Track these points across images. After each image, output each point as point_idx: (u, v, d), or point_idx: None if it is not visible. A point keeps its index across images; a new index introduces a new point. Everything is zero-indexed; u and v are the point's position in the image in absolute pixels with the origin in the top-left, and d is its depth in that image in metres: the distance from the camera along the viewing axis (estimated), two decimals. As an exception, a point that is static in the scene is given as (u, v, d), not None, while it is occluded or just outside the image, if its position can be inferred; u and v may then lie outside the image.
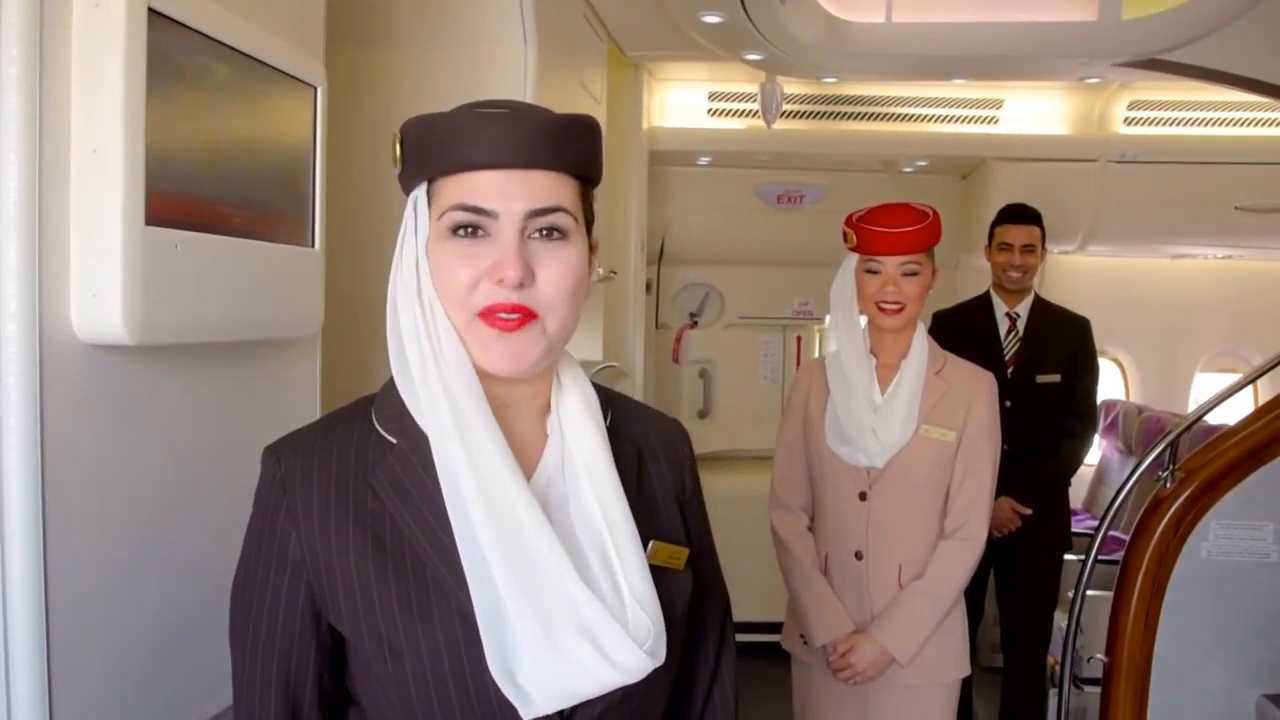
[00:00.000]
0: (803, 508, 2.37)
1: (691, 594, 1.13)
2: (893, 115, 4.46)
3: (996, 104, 4.45)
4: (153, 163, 1.13)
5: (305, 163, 1.48)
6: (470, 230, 0.98)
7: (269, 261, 1.38)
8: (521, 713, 0.95)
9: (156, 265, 1.15)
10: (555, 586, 0.95)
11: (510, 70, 2.13)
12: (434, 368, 0.98)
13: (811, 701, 2.35)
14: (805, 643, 2.30)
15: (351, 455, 1.03)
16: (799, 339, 5.21)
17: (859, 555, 2.25)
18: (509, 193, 0.97)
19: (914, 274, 2.23)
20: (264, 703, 1.03)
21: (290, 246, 1.44)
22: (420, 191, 1.02)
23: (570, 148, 1.00)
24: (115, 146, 1.09)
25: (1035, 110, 4.48)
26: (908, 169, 4.71)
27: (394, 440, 1.02)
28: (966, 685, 3.51)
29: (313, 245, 1.50)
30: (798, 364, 5.11)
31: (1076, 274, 5.06)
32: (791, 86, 4.28)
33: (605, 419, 1.09)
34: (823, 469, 2.31)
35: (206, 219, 1.25)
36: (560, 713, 0.98)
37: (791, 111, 4.43)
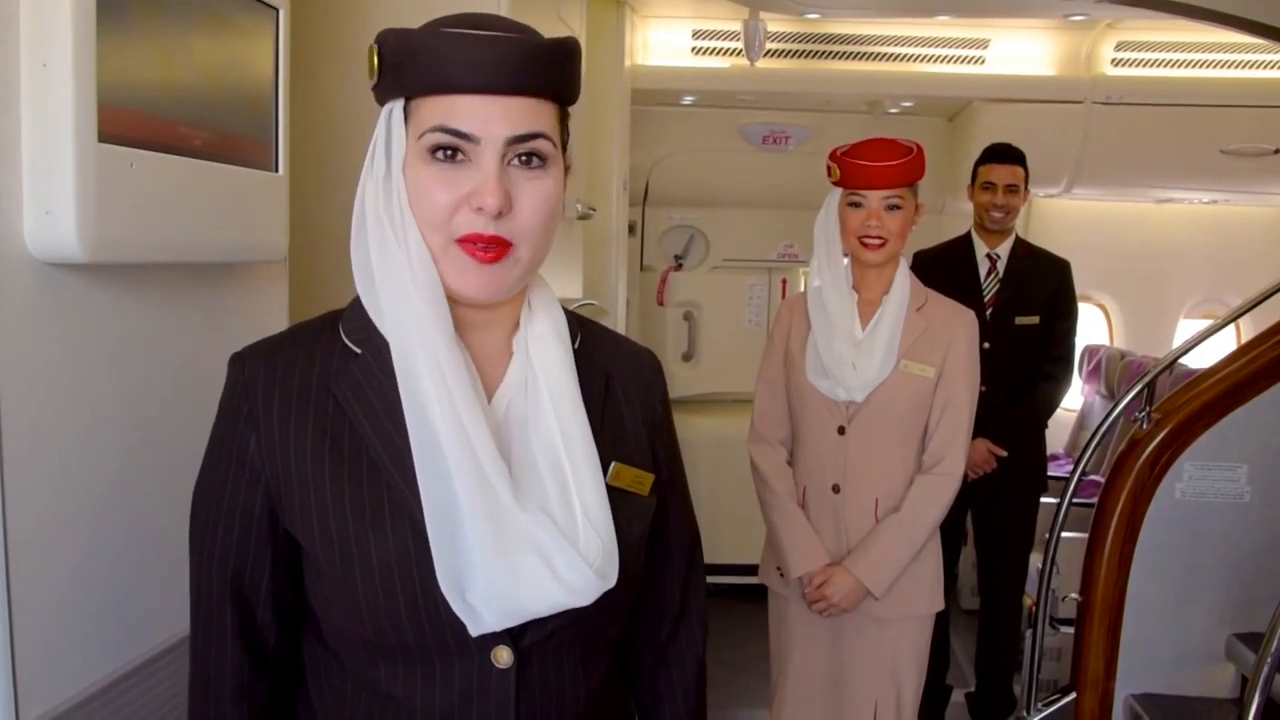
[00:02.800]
0: (782, 441, 2.38)
1: (655, 524, 1.13)
2: (878, 55, 4.41)
3: (983, 44, 4.40)
4: (106, 79, 1.10)
5: (268, 86, 1.45)
6: (450, 153, 0.96)
7: (231, 184, 1.36)
8: (469, 628, 0.95)
9: (111, 182, 1.12)
10: (502, 507, 0.96)
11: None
12: (403, 282, 0.98)
13: (787, 634, 2.38)
14: (782, 575, 2.33)
15: (316, 363, 1.03)
16: (784, 282, 5.20)
17: (836, 489, 2.27)
18: (491, 117, 0.95)
19: (897, 208, 2.22)
20: (219, 607, 1.04)
21: (253, 170, 1.41)
22: (396, 106, 0.99)
23: (553, 73, 0.99)
24: (65, 60, 1.06)
25: (1022, 51, 4.43)
26: (893, 110, 4.67)
27: (358, 350, 1.03)
28: (944, 627, 3.60)
29: (276, 170, 1.47)
30: (783, 308, 5.09)
31: (1060, 218, 5.04)
32: (776, 24, 4.22)
33: (574, 342, 1.09)
34: (803, 403, 2.32)
35: (164, 138, 1.23)
36: (509, 631, 0.99)
37: (776, 50, 4.38)
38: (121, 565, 1.25)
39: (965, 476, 3.24)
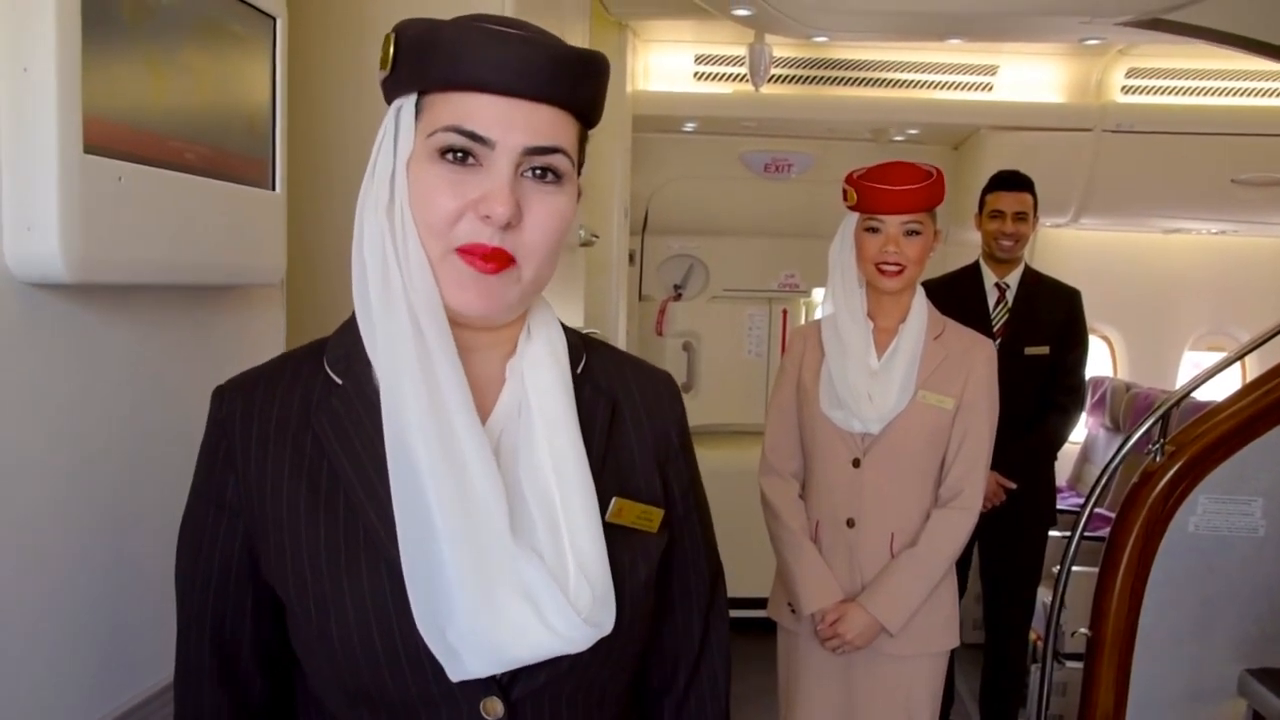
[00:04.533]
0: (794, 474, 2.31)
1: (669, 561, 1.05)
2: (884, 81, 4.37)
3: (991, 70, 4.37)
4: (92, 86, 1.03)
5: (265, 99, 1.38)
6: (460, 156, 0.89)
7: (226, 202, 1.29)
8: (449, 671, 0.87)
9: (97, 197, 1.05)
10: (493, 538, 0.88)
11: (486, 11, 2.02)
12: (399, 292, 0.90)
13: (797, 671, 2.30)
14: (793, 611, 2.25)
15: (296, 396, 0.96)
16: (785, 312, 5.13)
17: (850, 523, 2.19)
18: (510, 122, 0.89)
19: (916, 234, 2.16)
20: (198, 652, 0.98)
21: (249, 188, 1.34)
22: (408, 102, 0.92)
23: (581, 85, 0.93)
24: (49, 64, 0.99)
25: (1031, 77, 4.40)
26: (898, 138, 4.62)
27: (339, 381, 0.95)
28: (948, 661, 3.52)
29: (273, 188, 1.40)
30: (783, 338, 5.04)
31: (1066, 248, 4.99)
32: (781, 49, 4.18)
33: (578, 366, 1.01)
34: (815, 434, 2.24)
35: (155, 152, 1.16)
36: (497, 681, 0.91)
37: (780, 76, 4.34)
38: (110, 604, 1.17)
39: (976, 509, 3.21)
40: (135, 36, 1.12)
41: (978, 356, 2.22)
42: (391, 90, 0.95)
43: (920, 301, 2.23)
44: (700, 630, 1.13)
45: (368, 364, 0.94)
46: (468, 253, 0.89)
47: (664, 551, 1.03)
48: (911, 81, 4.38)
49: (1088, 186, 4.46)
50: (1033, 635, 3.51)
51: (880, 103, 4.39)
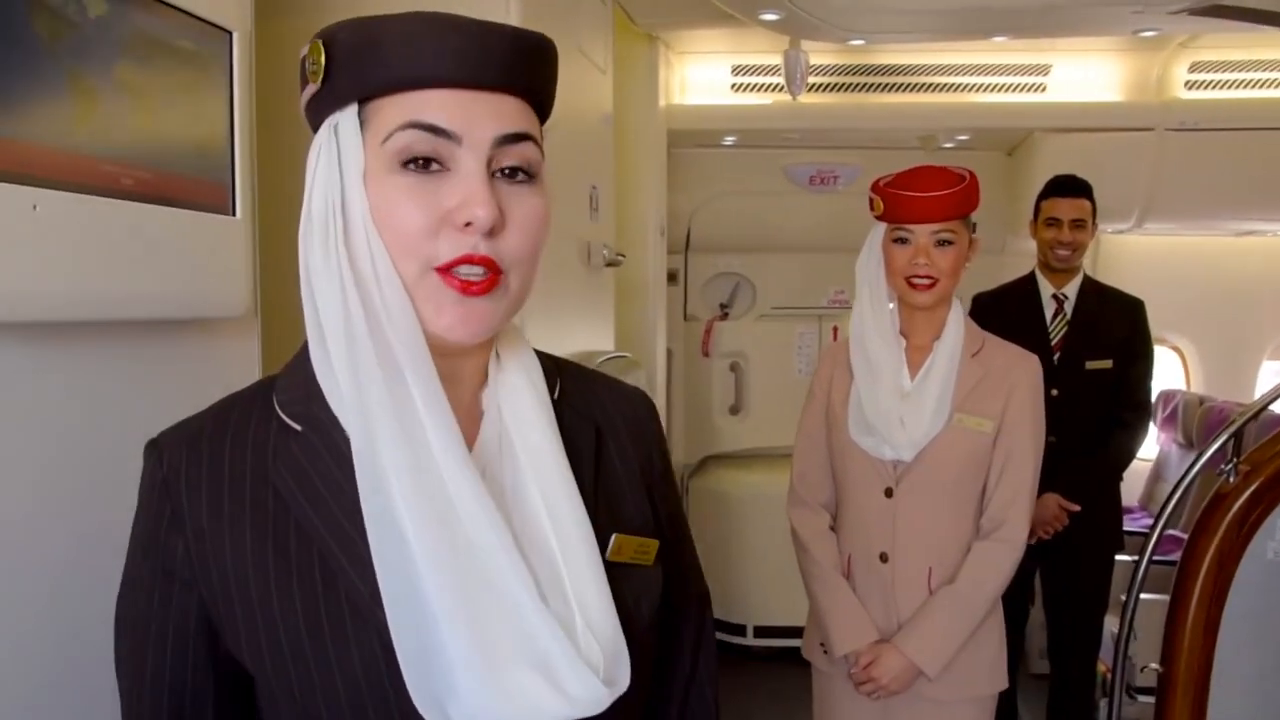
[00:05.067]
0: (824, 505, 2.16)
1: (662, 591, 0.96)
2: (930, 85, 4.20)
3: (1044, 70, 4.17)
4: (-1, 105, 0.96)
5: (221, 120, 1.30)
6: (423, 163, 0.79)
7: (172, 230, 1.20)
8: None
9: (7, 227, 0.97)
10: (503, 600, 0.78)
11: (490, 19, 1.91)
12: (362, 330, 0.79)
13: (832, 715, 2.15)
14: (826, 652, 2.10)
15: (248, 447, 0.85)
16: (835, 329, 4.96)
17: (884, 557, 2.04)
18: (474, 114, 0.80)
19: (948, 244, 2.00)
20: None
21: (203, 214, 1.26)
22: (346, 115, 0.82)
23: (539, 73, 0.86)
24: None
25: (1086, 76, 4.18)
26: (948, 144, 4.45)
27: (298, 427, 0.84)
28: (1011, 695, 3.34)
29: (233, 213, 1.32)
30: (835, 355, 4.88)
31: (1131, 255, 4.75)
32: (820, 56, 4.05)
33: (553, 392, 0.91)
34: (845, 463, 2.10)
35: (81, 177, 1.08)
36: None
37: (821, 84, 4.20)
38: (60, 693, 1.08)
39: (1035, 535, 3.03)
40: (54, 53, 1.04)
41: (1020, 374, 2.05)
42: (322, 107, 0.84)
43: (956, 316, 2.07)
44: (691, 655, 1.07)
45: (327, 406, 0.84)
46: (450, 268, 0.79)
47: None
48: (959, 85, 4.20)
49: (1151, 189, 4.22)
50: (1101, 667, 3.31)
51: (927, 108, 4.23)
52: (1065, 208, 3.15)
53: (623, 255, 3.00)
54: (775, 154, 4.57)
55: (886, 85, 4.22)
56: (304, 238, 0.84)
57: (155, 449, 0.87)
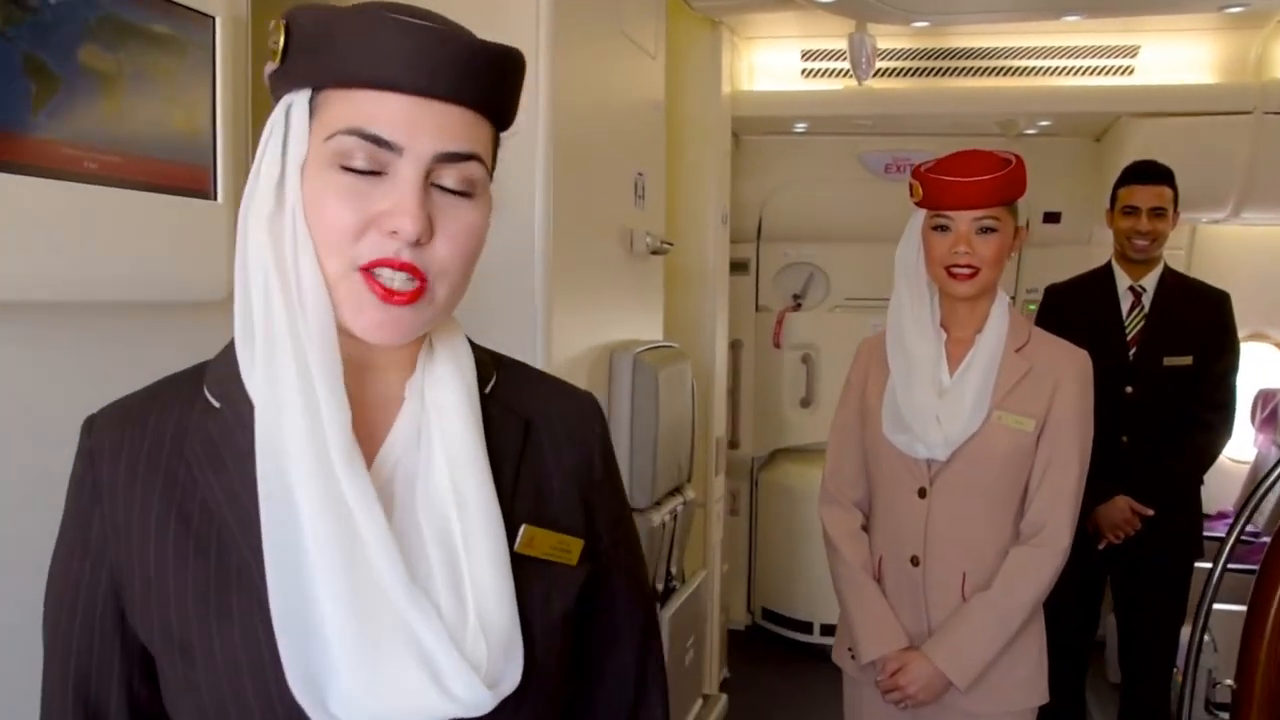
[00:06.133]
0: (857, 504, 2.08)
1: (599, 602, 0.95)
2: (1010, 70, 4.01)
3: (1131, 51, 3.94)
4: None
5: (203, 105, 1.30)
6: (361, 169, 0.80)
7: (143, 213, 1.21)
8: None
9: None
10: (381, 593, 0.78)
11: (515, 5, 1.87)
12: (281, 314, 0.81)
13: (863, 724, 2.07)
14: (854, 657, 2.02)
15: (171, 421, 0.87)
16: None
17: (915, 561, 1.95)
18: (419, 126, 0.80)
19: (991, 230, 1.90)
20: (60, 710, 0.88)
21: (178, 198, 1.26)
22: (299, 98, 0.83)
23: (498, 86, 0.85)
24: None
25: (1177, 57, 3.94)
26: (1030, 130, 4.24)
27: (217, 404, 0.86)
28: (1081, 705, 3.18)
29: (214, 197, 1.32)
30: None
31: (1228, 246, 4.47)
32: (894, 40, 3.91)
33: (486, 385, 0.92)
34: (878, 460, 2.02)
35: (46, 161, 1.08)
36: None
37: (896, 69, 4.07)
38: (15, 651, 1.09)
39: (1104, 539, 2.87)
40: (11, 39, 1.05)
41: (1067, 370, 1.93)
42: (281, 85, 0.85)
43: (1000, 308, 1.96)
44: (635, 681, 1.04)
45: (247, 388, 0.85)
46: (373, 271, 0.81)
47: (592, 589, 0.94)
48: (1041, 69, 4.00)
49: (1248, 176, 3.94)
50: (1176, 675, 3.12)
51: (1007, 93, 4.04)
52: (1144, 195, 2.97)
53: (670, 243, 2.94)
54: (849, 141, 4.45)
55: (963, 69, 4.06)
56: (244, 209, 0.85)
57: (89, 423, 0.90)
